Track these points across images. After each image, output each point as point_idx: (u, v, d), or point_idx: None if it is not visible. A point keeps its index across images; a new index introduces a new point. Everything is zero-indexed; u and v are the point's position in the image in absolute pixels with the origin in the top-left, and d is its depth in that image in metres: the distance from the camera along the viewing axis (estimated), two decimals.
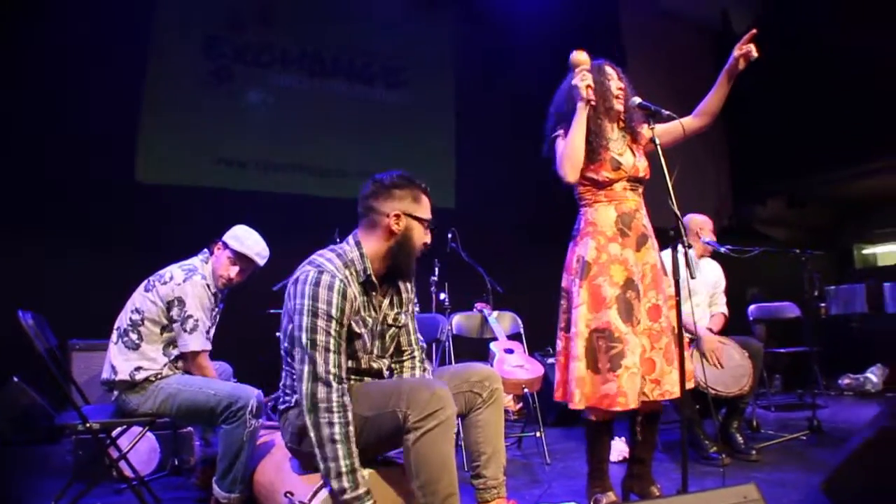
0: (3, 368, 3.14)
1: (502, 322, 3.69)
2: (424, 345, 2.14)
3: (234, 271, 2.53)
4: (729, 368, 3.17)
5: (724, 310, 3.55)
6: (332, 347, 1.71)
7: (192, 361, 2.43)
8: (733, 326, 3.57)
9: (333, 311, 1.73)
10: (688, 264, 1.98)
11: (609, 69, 2.33)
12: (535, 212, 5.69)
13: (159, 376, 2.37)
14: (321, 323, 1.71)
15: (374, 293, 1.89)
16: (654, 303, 2.25)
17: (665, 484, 2.47)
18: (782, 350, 4.54)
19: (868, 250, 8.47)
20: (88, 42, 4.32)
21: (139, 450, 2.74)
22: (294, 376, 1.77)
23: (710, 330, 3.37)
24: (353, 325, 1.82)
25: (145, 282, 2.49)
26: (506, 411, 2.11)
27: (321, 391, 1.68)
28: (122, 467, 2.41)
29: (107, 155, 4.43)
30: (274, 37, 5.30)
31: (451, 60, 6.14)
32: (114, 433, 2.51)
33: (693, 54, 6.83)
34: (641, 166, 2.33)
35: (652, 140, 2.15)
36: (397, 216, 1.85)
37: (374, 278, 1.86)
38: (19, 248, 4.02)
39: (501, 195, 5.80)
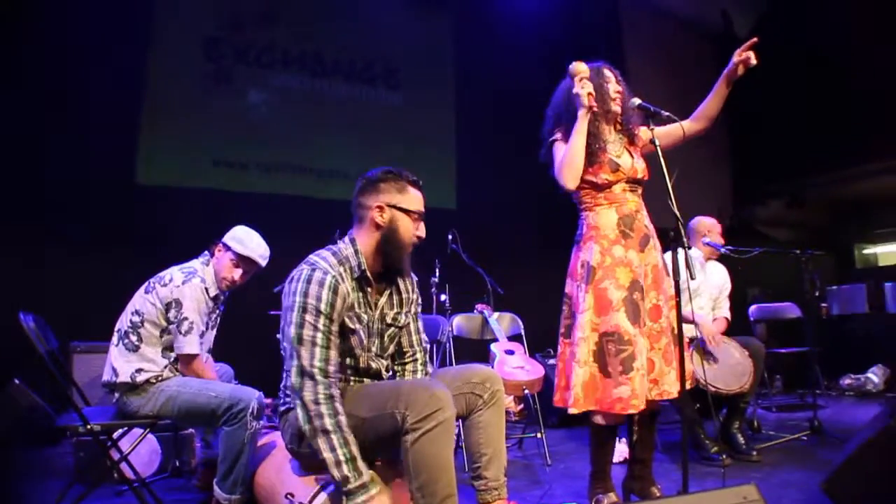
0: (3, 370, 3.13)
1: (503, 323, 3.69)
2: (428, 346, 2.14)
3: (237, 273, 2.53)
4: (729, 366, 3.17)
5: (727, 314, 3.55)
6: (318, 342, 1.73)
7: (185, 364, 2.43)
8: (734, 327, 3.57)
9: (322, 307, 1.74)
10: (687, 265, 1.98)
11: (607, 72, 2.33)
12: (535, 213, 5.70)
13: (160, 378, 2.37)
14: (309, 318, 1.74)
15: (369, 289, 1.90)
16: (654, 303, 2.25)
17: (666, 484, 2.47)
18: (783, 350, 4.54)
19: (869, 250, 8.46)
20: (88, 42, 4.33)
21: (140, 451, 2.73)
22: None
23: None
24: (347, 320, 1.83)
25: (146, 283, 2.49)
26: (507, 412, 2.11)
27: (307, 385, 1.70)
28: (123, 469, 2.41)
29: (107, 155, 4.43)
30: (274, 37, 5.31)
31: (452, 61, 6.15)
32: (115, 435, 2.51)
33: (693, 55, 6.82)
34: (640, 168, 2.32)
35: (652, 141, 2.15)
36: (380, 208, 1.87)
37: (368, 274, 1.87)
38: (19, 249, 4.02)
39: (502, 196, 5.80)
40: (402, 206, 1.88)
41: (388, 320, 1.97)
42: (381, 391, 1.79)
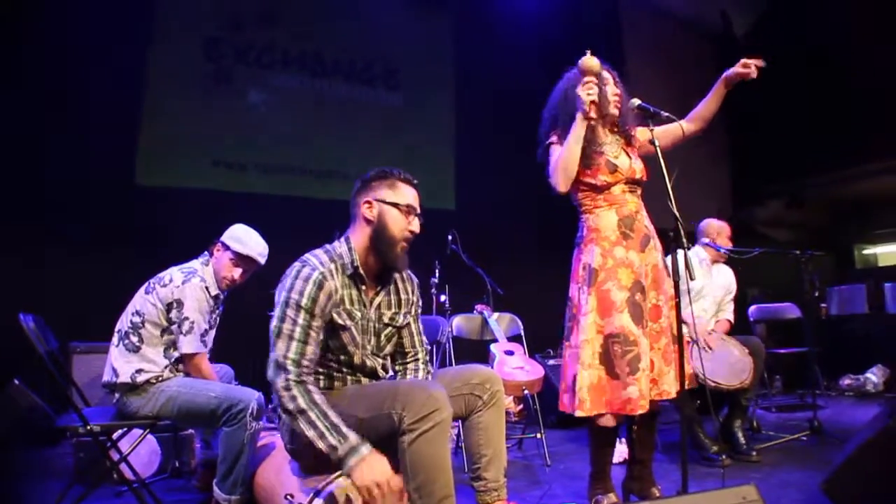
0: (3, 371, 3.14)
1: (502, 324, 3.69)
2: (428, 347, 2.14)
3: (237, 273, 2.54)
4: (729, 363, 3.16)
5: (731, 316, 3.55)
6: (296, 336, 1.75)
7: (188, 364, 2.43)
8: (734, 328, 3.58)
9: (303, 301, 1.76)
10: (687, 266, 1.98)
11: (606, 74, 2.33)
12: (535, 213, 5.70)
13: (160, 378, 2.37)
14: (290, 312, 1.76)
15: (363, 287, 1.91)
16: (654, 303, 2.25)
17: (665, 485, 2.47)
18: (783, 351, 4.54)
19: (868, 250, 8.46)
20: (88, 42, 4.33)
21: (140, 452, 2.74)
22: None
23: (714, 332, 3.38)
24: (336, 317, 1.83)
25: (146, 284, 2.49)
26: (506, 413, 2.11)
27: (279, 377, 1.72)
28: (122, 470, 2.41)
29: (107, 155, 4.43)
30: (274, 38, 5.31)
31: (452, 61, 6.15)
32: (114, 435, 2.51)
33: (692, 55, 6.82)
34: (638, 168, 2.32)
35: (651, 142, 2.15)
36: (368, 203, 1.90)
37: (361, 271, 1.88)
38: (19, 249, 4.02)
39: (501, 196, 5.80)
40: (389, 200, 1.89)
41: (386, 320, 1.97)
42: (378, 391, 1.79)
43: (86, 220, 4.24)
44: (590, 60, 2.18)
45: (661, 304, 2.25)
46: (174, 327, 2.40)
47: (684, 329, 2.11)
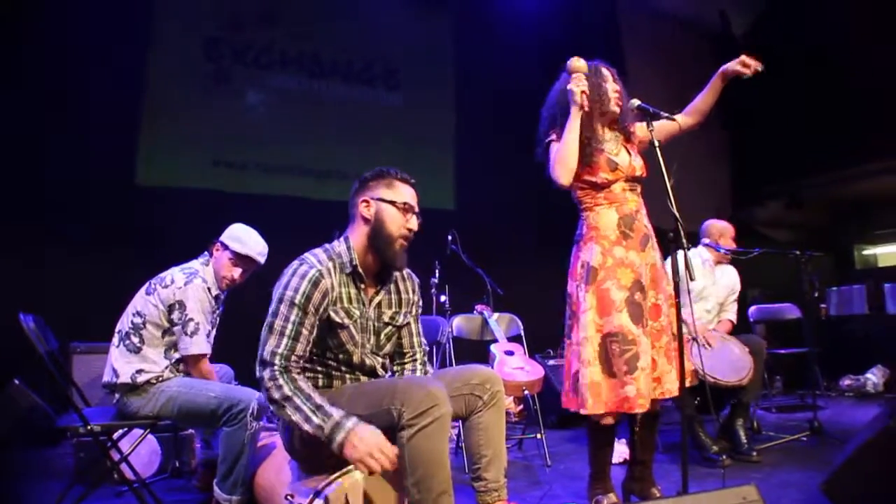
0: (3, 370, 3.14)
1: (502, 324, 3.69)
2: (427, 347, 2.14)
3: (236, 272, 2.54)
4: (729, 361, 3.17)
5: (733, 317, 3.56)
6: (287, 332, 1.75)
7: (193, 365, 2.44)
8: (734, 328, 3.58)
9: (297, 298, 1.77)
10: (687, 266, 1.98)
11: (605, 71, 2.33)
12: (534, 213, 5.70)
13: (160, 379, 2.37)
14: (283, 308, 1.77)
15: (362, 285, 1.91)
16: (654, 302, 2.25)
17: (666, 485, 2.47)
18: (783, 351, 4.54)
19: (868, 251, 8.46)
20: (88, 42, 4.33)
21: (140, 452, 2.74)
22: None
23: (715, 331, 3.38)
24: (333, 315, 1.83)
25: (146, 284, 2.49)
26: (506, 413, 2.11)
27: (266, 372, 1.73)
28: (123, 470, 2.41)
29: (107, 155, 4.43)
30: (273, 38, 5.31)
31: (451, 61, 6.15)
32: (115, 436, 2.51)
33: (691, 55, 6.82)
34: (638, 165, 2.33)
35: (651, 143, 2.16)
36: (365, 202, 1.91)
37: (360, 270, 1.89)
38: (19, 249, 4.01)
39: (501, 196, 5.80)
40: (386, 199, 1.90)
41: (386, 319, 1.98)
42: (377, 388, 1.80)
43: (86, 220, 4.24)
44: (577, 62, 2.25)
45: (660, 303, 2.25)
46: (177, 328, 2.40)
47: (684, 328, 2.11)
